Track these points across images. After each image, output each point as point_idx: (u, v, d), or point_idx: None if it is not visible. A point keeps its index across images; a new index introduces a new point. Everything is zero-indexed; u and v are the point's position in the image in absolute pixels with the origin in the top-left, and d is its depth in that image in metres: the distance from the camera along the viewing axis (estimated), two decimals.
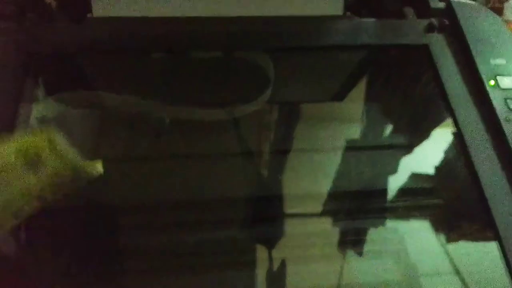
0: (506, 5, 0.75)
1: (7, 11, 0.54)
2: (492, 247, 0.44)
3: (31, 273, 0.41)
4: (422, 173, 0.54)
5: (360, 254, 0.51)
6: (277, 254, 0.48)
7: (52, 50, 0.51)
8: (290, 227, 0.51)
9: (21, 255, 0.42)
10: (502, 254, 0.43)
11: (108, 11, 0.55)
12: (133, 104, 0.53)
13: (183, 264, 0.46)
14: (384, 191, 0.53)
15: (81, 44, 0.52)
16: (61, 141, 0.41)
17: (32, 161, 0.40)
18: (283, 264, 0.48)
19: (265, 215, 0.52)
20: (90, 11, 0.55)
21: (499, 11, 0.75)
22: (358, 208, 0.53)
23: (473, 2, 0.57)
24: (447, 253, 0.48)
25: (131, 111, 0.53)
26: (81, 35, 0.53)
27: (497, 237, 0.44)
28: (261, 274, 0.47)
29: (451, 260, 0.47)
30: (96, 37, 0.52)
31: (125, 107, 0.53)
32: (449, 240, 0.50)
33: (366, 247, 0.50)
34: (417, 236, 0.50)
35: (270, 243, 0.49)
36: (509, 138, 0.48)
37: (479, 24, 0.55)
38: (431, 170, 0.53)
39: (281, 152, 0.57)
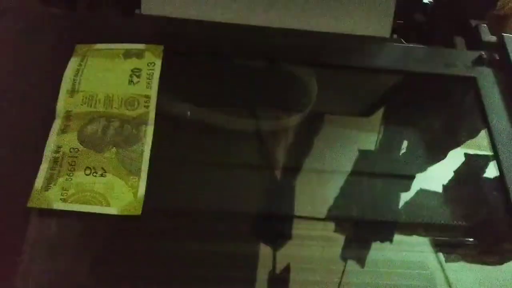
0: None
1: None
2: None
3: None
4: (453, 208, 0.52)
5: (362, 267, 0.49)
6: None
7: (97, 41, 0.51)
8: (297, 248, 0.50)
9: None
10: None
11: (157, 9, 0.55)
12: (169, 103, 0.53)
13: (188, 272, 0.45)
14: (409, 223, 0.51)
15: (126, 38, 0.52)
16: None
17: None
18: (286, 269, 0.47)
19: (274, 230, 0.51)
20: (139, 7, 0.55)
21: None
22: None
23: None
24: None
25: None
26: (127, 29, 0.53)
27: None
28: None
29: None
30: (141, 33, 0.52)
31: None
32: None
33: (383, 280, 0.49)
34: (448, 274, 0.48)
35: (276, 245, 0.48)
36: None
37: None
38: (464, 208, 0.52)
39: (299, 168, 0.56)
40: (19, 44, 0.48)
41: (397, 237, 0.50)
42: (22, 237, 0.39)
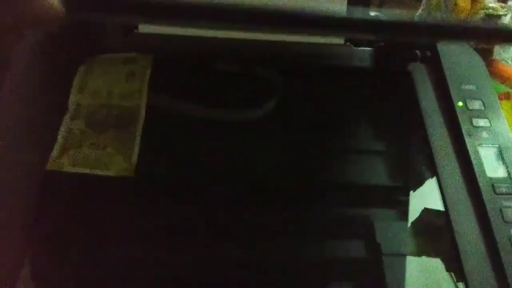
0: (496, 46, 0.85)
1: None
2: None
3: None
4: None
5: None
6: None
7: (102, 53, 0.64)
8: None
9: None
10: None
11: (151, 29, 0.68)
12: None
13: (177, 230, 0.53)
14: None
15: (125, 51, 0.64)
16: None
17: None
18: None
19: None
20: (137, 28, 0.68)
21: (489, 52, 0.85)
22: None
23: None
24: None
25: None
26: (126, 44, 0.66)
27: None
28: None
29: None
30: (137, 46, 0.65)
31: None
32: None
33: None
34: None
35: None
36: (469, 149, 0.56)
37: (457, 58, 0.65)
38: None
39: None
40: (43, 56, 0.62)
41: None
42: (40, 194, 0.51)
